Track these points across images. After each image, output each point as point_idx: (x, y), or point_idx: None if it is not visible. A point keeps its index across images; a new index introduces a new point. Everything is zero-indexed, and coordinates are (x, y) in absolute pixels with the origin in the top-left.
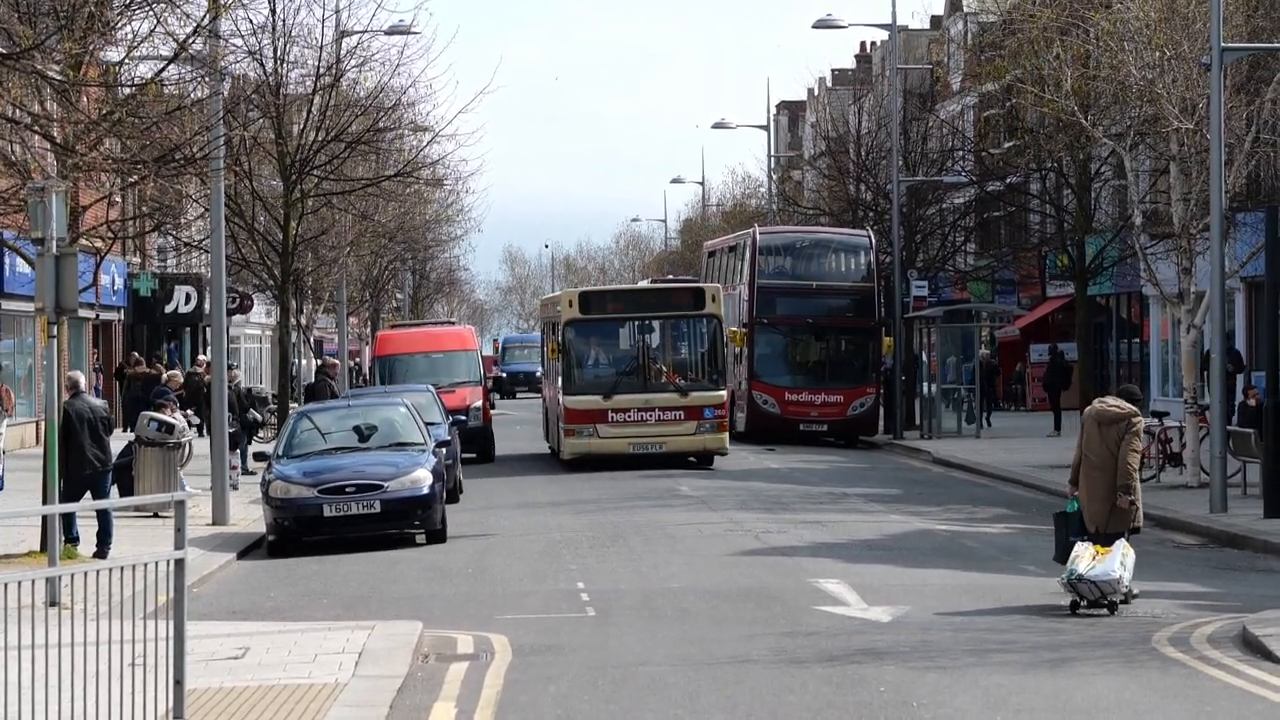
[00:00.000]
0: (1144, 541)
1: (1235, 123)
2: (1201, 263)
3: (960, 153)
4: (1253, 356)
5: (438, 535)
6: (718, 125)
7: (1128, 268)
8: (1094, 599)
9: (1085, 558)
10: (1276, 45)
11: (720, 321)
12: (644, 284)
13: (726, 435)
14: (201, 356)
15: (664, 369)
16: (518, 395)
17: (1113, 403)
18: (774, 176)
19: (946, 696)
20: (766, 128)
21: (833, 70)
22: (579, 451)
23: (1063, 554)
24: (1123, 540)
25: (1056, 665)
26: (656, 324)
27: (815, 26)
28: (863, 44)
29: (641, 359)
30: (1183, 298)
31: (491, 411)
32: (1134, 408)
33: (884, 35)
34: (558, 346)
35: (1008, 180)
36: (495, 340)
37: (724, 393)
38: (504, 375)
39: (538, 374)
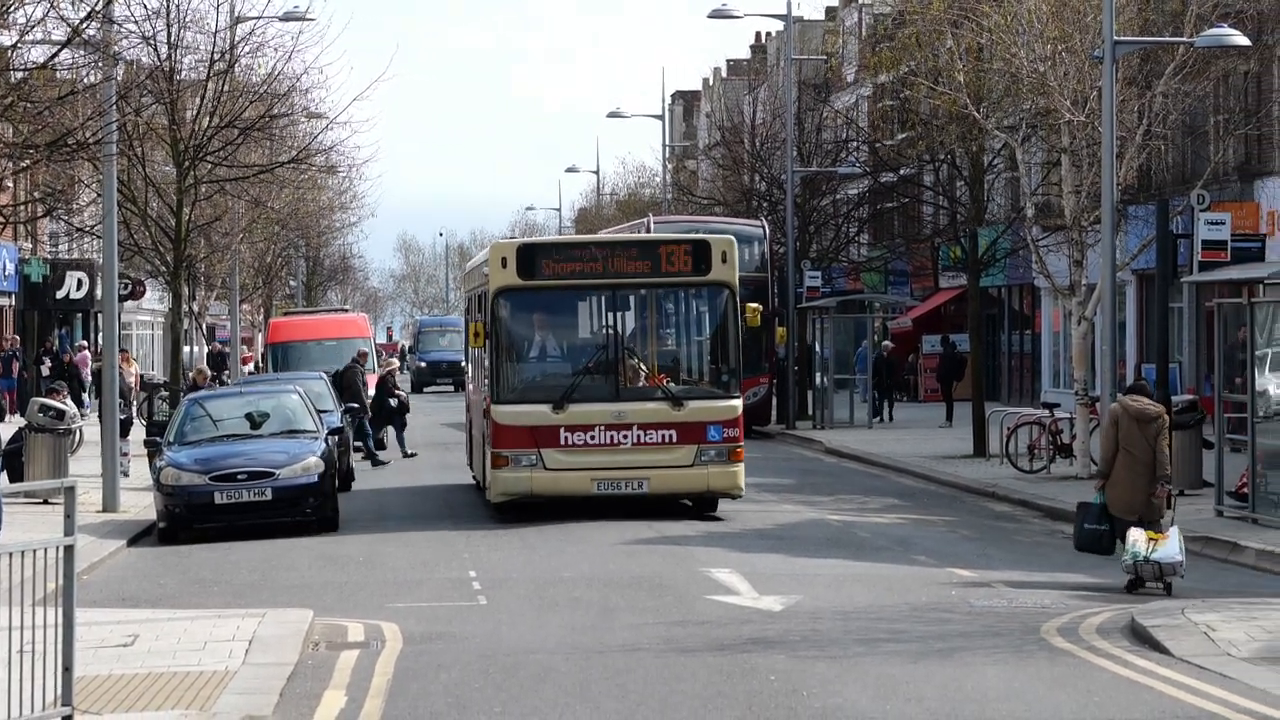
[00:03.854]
0: (1034, 532)
1: (1127, 116)
2: (1093, 255)
3: (854, 144)
4: (1143, 348)
5: (330, 523)
6: (612, 115)
7: (1020, 260)
8: (1154, 577)
9: (1143, 541)
10: (1168, 39)
11: (733, 293)
12: (616, 233)
13: (741, 468)
14: (82, 342)
15: (646, 365)
16: (425, 390)
17: (1145, 401)
18: (669, 166)
19: (836, 686)
20: (661, 117)
21: (728, 60)
22: (514, 491)
23: (1083, 539)
24: (1176, 526)
25: (946, 655)
26: (636, 296)
27: (711, 16)
28: (758, 34)
29: (612, 349)
30: (1074, 290)
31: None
32: (1161, 407)
33: (779, 26)
34: (484, 329)
35: (901, 172)
36: (389, 328)
37: (738, 402)
38: (422, 365)
39: (463, 363)
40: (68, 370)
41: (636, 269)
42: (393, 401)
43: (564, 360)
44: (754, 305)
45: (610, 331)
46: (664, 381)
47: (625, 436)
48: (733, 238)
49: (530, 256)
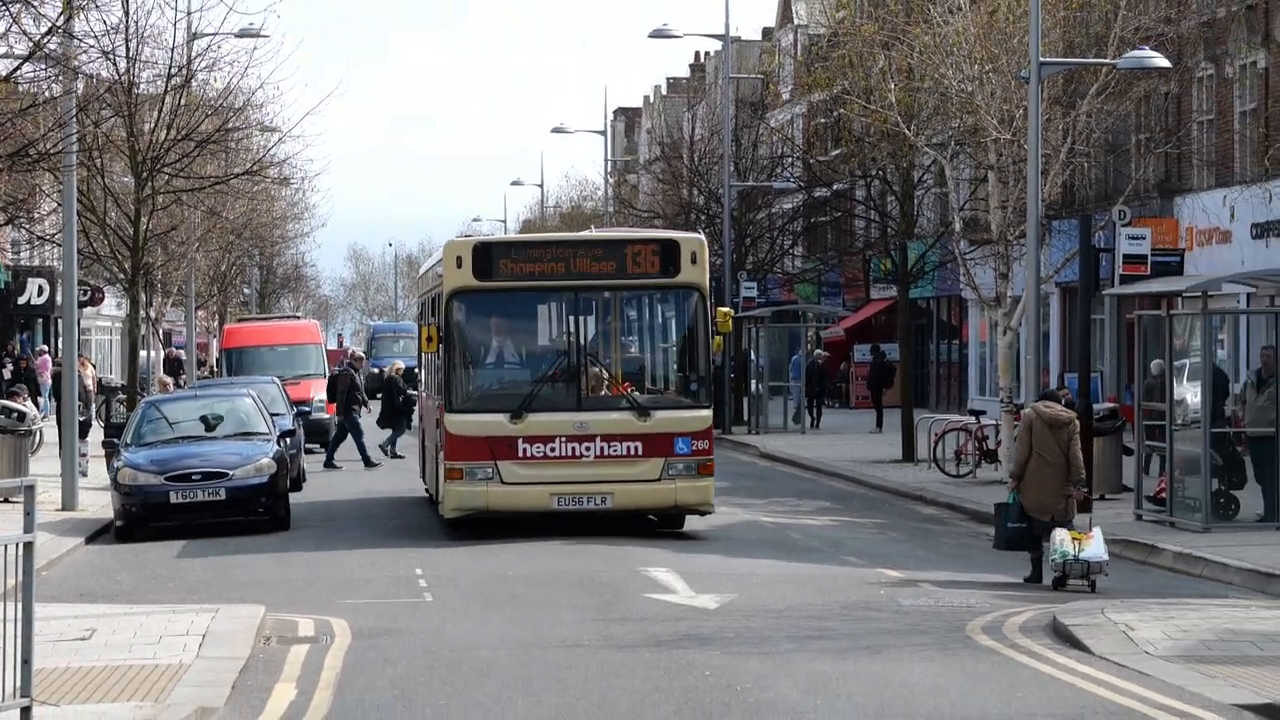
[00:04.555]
0: (960, 534)
1: (1051, 134)
2: (1018, 268)
3: (789, 159)
4: (1066, 358)
5: (282, 522)
6: (556, 130)
7: (948, 272)
8: (1081, 575)
9: (1069, 541)
10: (1092, 60)
11: (703, 296)
12: (583, 234)
13: (711, 482)
14: (43, 347)
15: (610, 372)
16: (378, 396)
17: (1058, 407)
18: (610, 180)
19: (769, 681)
20: (604, 133)
21: (668, 79)
22: (468, 506)
23: (1002, 541)
24: (1098, 527)
25: (875, 652)
26: (600, 299)
27: (651, 36)
28: (697, 54)
29: (574, 355)
30: (1000, 301)
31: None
32: (1072, 413)
33: (718, 46)
34: (438, 333)
35: (834, 187)
36: (339, 334)
37: (708, 412)
38: (376, 371)
39: (416, 369)
40: (24, 374)
41: (600, 269)
42: (400, 399)
43: (522, 367)
44: (725, 310)
45: (572, 336)
46: (629, 390)
47: (588, 448)
48: (703, 237)
49: (487, 256)
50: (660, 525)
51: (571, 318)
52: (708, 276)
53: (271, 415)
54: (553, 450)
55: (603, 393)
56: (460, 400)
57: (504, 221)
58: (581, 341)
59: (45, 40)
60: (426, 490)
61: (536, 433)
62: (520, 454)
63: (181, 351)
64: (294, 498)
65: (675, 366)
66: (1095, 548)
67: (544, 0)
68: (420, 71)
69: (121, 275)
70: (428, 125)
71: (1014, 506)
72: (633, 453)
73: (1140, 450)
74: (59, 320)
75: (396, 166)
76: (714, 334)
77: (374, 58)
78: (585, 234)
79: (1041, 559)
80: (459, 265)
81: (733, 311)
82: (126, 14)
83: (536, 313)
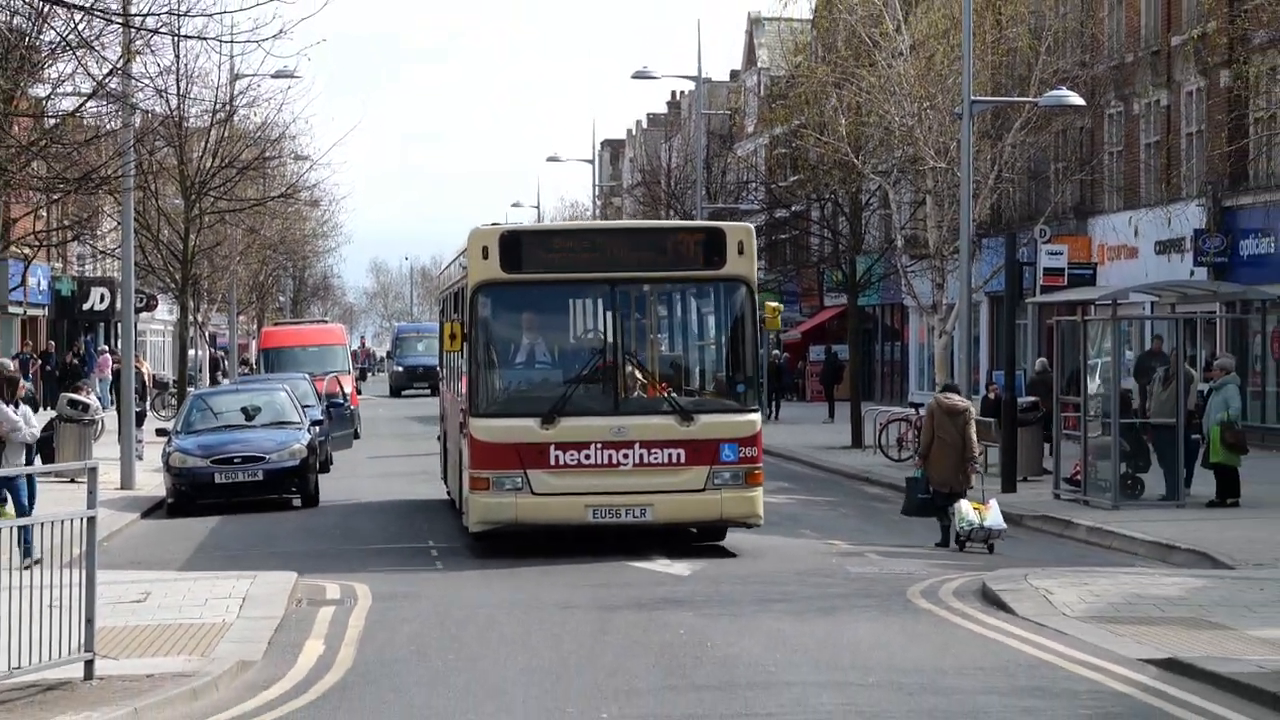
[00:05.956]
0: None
1: (981, 163)
2: (952, 279)
3: (753, 184)
4: (994, 358)
5: (311, 500)
6: (551, 159)
7: (891, 283)
8: (983, 539)
9: (972, 511)
10: (1016, 99)
11: (751, 289)
12: (621, 222)
13: (760, 493)
14: (104, 347)
15: (650, 373)
16: (403, 394)
17: (956, 398)
18: (598, 203)
19: (735, 638)
20: (592, 161)
21: (648, 114)
22: (495, 519)
23: (910, 507)
24: (995, 500)
25: (827, 612)
26: (639, 292)
27: (634, 77)
28: (673, 93)
29: (611, 354)
30: (936, 308)
31: (359, 397)
32: (968, 402)
33: (691, 85)
34: (462, 330)
35: (792, 208)
36: (362, 336)
37: (756, 417)
38: (399, 370)
39: (438, 368)
40: (70, 371)
41: (640, 260)
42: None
43: (554, 367)
44: (774, 304)
45: (608, 334)
46: (670, 392)
47: (626, 456)
48: (750, 226)
49: (515, 246)
50: (700, 537)
51: (608, 313)
52: (755, 268)
53: (303, 407)
54: (587, 458)
55: (642, 395)
56: (487, 403)
57: None
58: (619, 339)
59: (107, 80)
60: (448, 493)
61: (570, 439)
62: (552, 462)
63: (224, 352)
64: (322, 479)
65: (721, 366)
66: (994, 517)
67: (538, 48)
68: (431, 107)
69: (173, 285)
70: (439, 154)
71: (921, 480)
72: (675, 460)
73: (1058, 438)
74: (118, 324)
75: (412, 190)
76: (762, 330)
77: (388, 79)
78: (623, 222)
79: (949, 527)
80: (485, 256)
81: (781, 307)
82: (177, 57)
83: (570, 307)
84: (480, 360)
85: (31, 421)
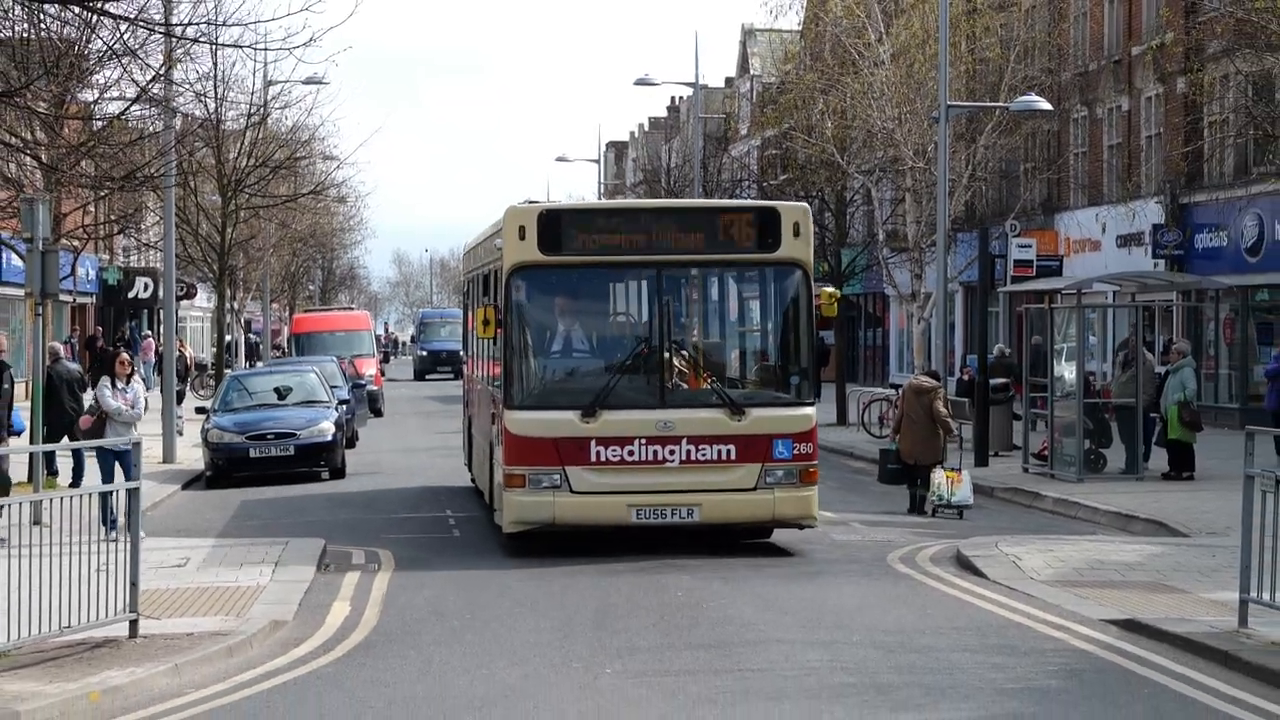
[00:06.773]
0: (881, 484)
1: (956, 163)
2: (929, 270)
3: (747, 183)
4: (967, 342)
5: (339, 473)
6: (560, 159)
7: (873, 274)
8: (954, 507)
9: (945, 484)
10: (989, 104)
11: (807, 274)
12: (668, 201)
13: (814, 492)
14: (147, 332)
15: (699, 363)
16: (427, 378)
17: (924, 379)
18: (602, 200)
19: (729, 600)
20: (598, 162)
21: (649, 118)
22: (532, 519)
23: (884, 476)
24: (968, 473)
25: (813, 577)
26: (687, 276)
27: (636, 84)
28: (673, 98)
29: (656, 343)
30: (915, 297)
31: (382, 378)
32: (937, 382)
33: (689, 91)
34: (495, 316)
35: None
36: (385, 322)
37: (811, 411)
38: (424, 354)
39: (461, 352)
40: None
41: (689, 243)
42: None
43: (596, 356)
44: (830, 290)
45: (654, 321)
46: (720, 384)
47: (672, 452)
48: (807, 206)
49: (555, 225)
50: (745, 535)
51: (653, 298)
52: (812, 252)
53: (331, 387)
54: (631, 454)
55: (690, 387)
56: (523, 395)
57: None
58: (665, 326)
59: (150, 86)
60: (471, 480)
61: (612, 433)
62: (593, 458)
63: (259, 336)
64: (349, 454)
65: (774, 356)
66: (964, 491)
67: (549, 59)
68: (449, 108)
69: (210, 274)
70: (456, 153)
71: (893, 453)
72: (725, 457)
73: (1027, 416)
74: (160, 311)
75: (431, 186)
76: (817, 317)
77: (412, 87)
78: (671, 201)
79: (916, 494)
80: (522, 236)
81: (838, 293)
82: (215, 65)
83: (612, 292)
84: (516, 348)
85: (141, 400)
